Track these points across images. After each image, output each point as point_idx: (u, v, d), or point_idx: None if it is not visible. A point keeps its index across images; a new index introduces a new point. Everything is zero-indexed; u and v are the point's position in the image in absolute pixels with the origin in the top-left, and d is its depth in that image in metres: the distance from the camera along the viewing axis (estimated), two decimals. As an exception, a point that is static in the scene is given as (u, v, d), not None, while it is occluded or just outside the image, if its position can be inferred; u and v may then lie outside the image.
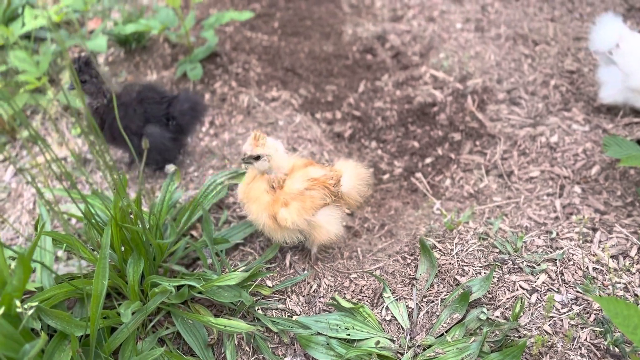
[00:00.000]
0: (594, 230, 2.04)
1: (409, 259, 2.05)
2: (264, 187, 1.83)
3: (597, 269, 1.89)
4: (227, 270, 1.96)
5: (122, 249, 1.86)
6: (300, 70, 3.18)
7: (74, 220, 2.26)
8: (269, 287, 1.94)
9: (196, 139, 2.67)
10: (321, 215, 1.87)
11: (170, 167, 2.36)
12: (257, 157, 1.79)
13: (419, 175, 2.54)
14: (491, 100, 2.75)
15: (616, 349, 1.65)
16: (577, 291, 1.83)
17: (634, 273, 1.87)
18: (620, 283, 1.83)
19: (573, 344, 1.69)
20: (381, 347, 1.75)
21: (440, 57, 3.07)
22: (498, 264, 1.93)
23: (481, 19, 3.37)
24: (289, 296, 1.93)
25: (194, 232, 2.20)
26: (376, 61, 3.24)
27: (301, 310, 1.89)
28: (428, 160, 2.61)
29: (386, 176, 2.56)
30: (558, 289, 1.84)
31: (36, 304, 1.50)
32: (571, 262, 1.91)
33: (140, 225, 1.78)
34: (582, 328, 1.73)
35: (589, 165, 2.30)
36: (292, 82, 3.08)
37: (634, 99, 2.36)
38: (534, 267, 1.91)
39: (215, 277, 1.83)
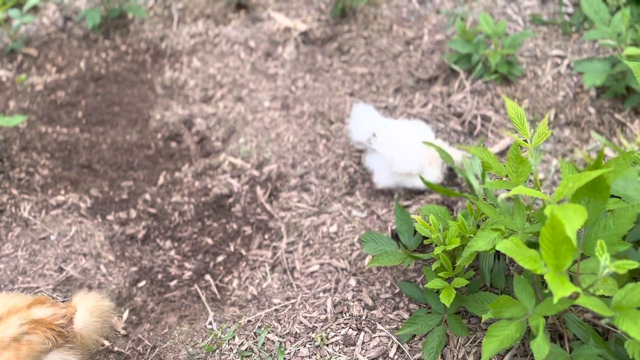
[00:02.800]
0: (359, 330, 2.03)
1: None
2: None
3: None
4: None
5: None
6: (97, 166, 3.02)
7: None
8: None
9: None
10: None
11: None
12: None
13: (208, 277, 2.44)
14: (284, 187, 2.73)
15: None
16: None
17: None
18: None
19: None
20: None
21: (240, 142, 3.03)
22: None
23: (288, 96, 3.39)
24: None
25: None
26: (180, 148, 3.15)
27: None
28: (220, 258, 2.53)
29: (174, 282, 2.43)
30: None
31: None
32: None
33: None
34: None
35: (363, 254, 2.31)
36: (85, 181, 2.91)
37: (403, 181, 2.43)
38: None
39: None
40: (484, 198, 2.15)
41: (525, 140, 1.72)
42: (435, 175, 2.39)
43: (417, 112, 2.97)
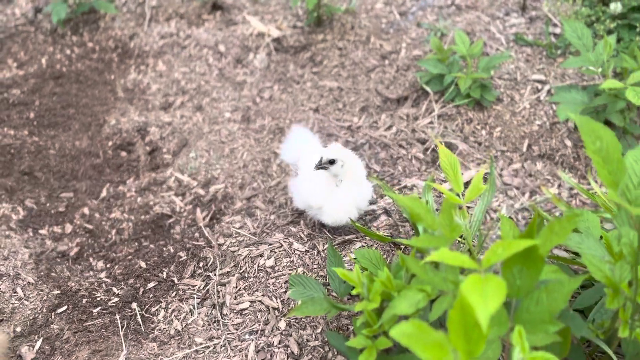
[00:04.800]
0: (278, 383, 1.85)
1: None
2: None
3: None
4: None
5: None
6: (39, 173, 2.86)
7: None
8: None
9: None
10: None
11: None
12: None
13: (134, 305, 2.27)
14: (228, 210, 2.56)
15: None
16: None
17: None
18: None
19: None
20: None
21: (190, 156, 2.85)
22: None
23: (250, 108, 3.21)
24: None
25: None
26: (130, 159, 2.98)
27: None
28: (151, 284, 2.35)
29: (97, 309, 2.26)
30: None
31: None
32: None
33: None
34: None
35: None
36: (22, 190, 2.75)
37: (312, 212, 2.24)
38: None
39: None
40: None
41: (458, 195, 1.53)
42: (344, 213, 2.16)
43: (380, 135, 2.78)
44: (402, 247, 2.19)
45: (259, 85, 3.42)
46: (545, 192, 2.42)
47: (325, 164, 2.03)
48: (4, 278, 2.27)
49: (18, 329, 2.14)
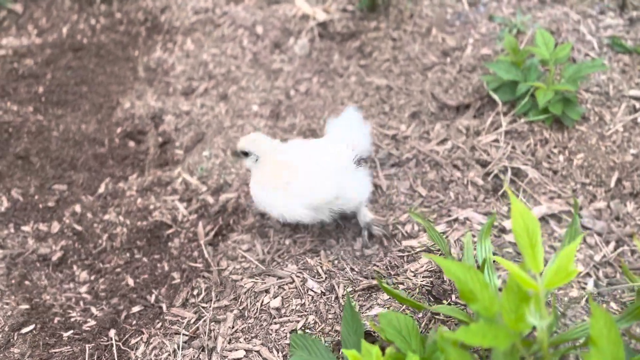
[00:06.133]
0: None
1: None
2: None
3: None
4: None
5: None
6: (36, 158, 2.51)
7: None
8: None
9: None
10: None
11: None
12: None
13: (112, 334, 1.89)
14: (237, 226, 2.13)
15: None
16: None
17: None
18: None
19: None
20: None
21: (204, 155, 2.44)
22: None
23: (282, 102, 2.76)
24: None
25: None
26: (137, 150, 2.59)
27: None
28: (136, 308, 1.97)
29: (69, 333, 1.89)
30: None
31: None
32: None
33: None
34: None
35: (305, 350, 1.68)
36: (12, 177, 2.41)
37: None
38: None
39: None
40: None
41: (535, 277, 1.02)
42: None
43: (431, 150, 2.27)
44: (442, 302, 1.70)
45: (296, 76, 2.96)
46: (637, 244, 1.87)
47: (238, 153, 1.91)
48: (-34, 285, 1.94)
49: (-30, 350, 1.80)
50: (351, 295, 1.76)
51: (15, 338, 1.86)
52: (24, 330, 1.88)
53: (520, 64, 2.36)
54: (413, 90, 2.68)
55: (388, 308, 1.68)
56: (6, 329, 1.87)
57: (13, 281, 2.01)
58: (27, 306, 1.95)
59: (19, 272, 2.05)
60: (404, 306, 1.66)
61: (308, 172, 1.81)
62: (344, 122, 2.02)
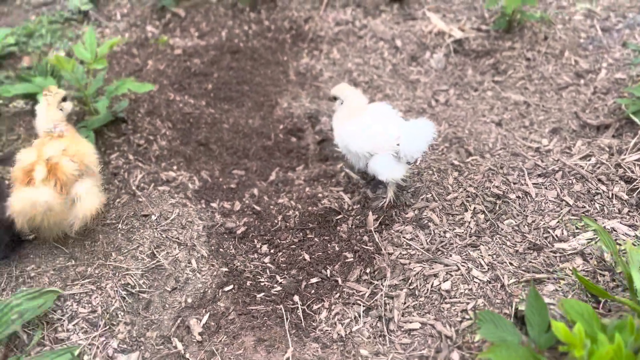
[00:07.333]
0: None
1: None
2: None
3: None
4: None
5: None
6: (214, 146, 2.92)
7: None
8: None
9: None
10: None
11: None
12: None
13: (296, 299, 2.24)
14: (399, 217, 2.43)
15: None
16: None
17: None
18: None
19: None
20: None
21: (363, 153, 2.76)
22: None
23: (425, 110, 3.05)
24: None
25: None
26: (299, 145, 2.95)
27: None
28: (314, 280, 2.31)
29: (261, 295, 2.26)
30: None
31: None
32: None
33: None
34: None
35: (475, 327, 1.96)
36: (199, 160, 2.82)
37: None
38: None
39: None
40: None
41: None
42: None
43: (575, 164, 2.50)
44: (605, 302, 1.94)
45: (434, 87, 3.25)
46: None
47: (331, 98, 2.53)
48: (182, 247, 2.33)
49: (189, 300, 2.19)
50: (515, 286, 2.03)
51: (220, 294, 2.24)
52: (226, 288, 2.26)
53: (664, 91, 2.55)
54: (550, 108, 2.91)
55: (553, 299, 1.93)
56: (213, 286, 2.25)
57: (212, 248, 2.40)
58: (226, 269, 2.33)
59: (215, 241, 2.44)
60: (569, 293, 1.91)
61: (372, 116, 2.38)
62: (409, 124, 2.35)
